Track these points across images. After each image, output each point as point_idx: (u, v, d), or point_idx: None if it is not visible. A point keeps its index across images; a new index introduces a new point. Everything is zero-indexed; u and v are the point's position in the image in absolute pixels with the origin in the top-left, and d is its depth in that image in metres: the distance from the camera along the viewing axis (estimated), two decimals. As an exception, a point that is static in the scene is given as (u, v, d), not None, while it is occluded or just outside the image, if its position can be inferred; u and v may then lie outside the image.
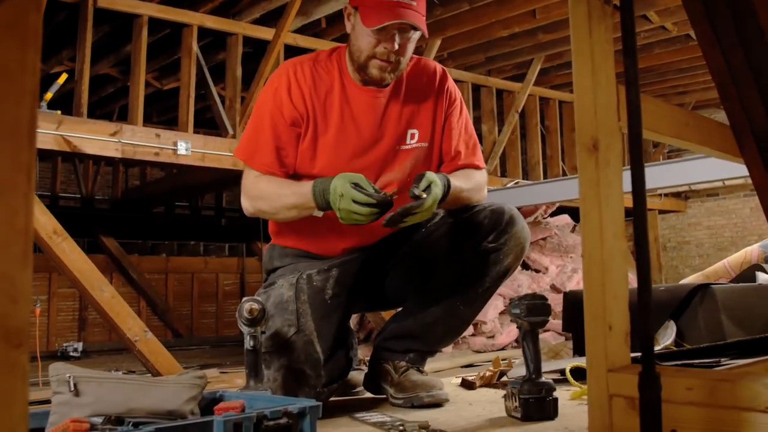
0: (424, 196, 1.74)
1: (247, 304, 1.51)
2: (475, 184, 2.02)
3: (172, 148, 4.72)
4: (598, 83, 1.18)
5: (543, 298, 1.51)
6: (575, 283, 6.19)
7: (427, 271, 1.98)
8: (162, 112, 7.62)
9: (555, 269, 6.44)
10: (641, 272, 1.00)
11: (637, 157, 1.01)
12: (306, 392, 1.76)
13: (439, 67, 2.10)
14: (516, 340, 5.78)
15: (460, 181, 1.94)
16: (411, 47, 1.94)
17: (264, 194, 1.91)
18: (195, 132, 5.03)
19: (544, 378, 1.52)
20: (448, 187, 1.84)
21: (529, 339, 1.50)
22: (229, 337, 8.13)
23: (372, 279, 2.05)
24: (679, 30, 5.91)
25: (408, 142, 2.00)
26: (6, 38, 0.58)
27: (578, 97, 1.19)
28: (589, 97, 1.17)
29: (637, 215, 1.00)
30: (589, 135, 1.17)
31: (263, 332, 1.59)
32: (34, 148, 0.59)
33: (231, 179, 6.48)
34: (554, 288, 6.29)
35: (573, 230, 6.70)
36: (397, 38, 1.87)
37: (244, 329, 1.54)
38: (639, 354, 1.05)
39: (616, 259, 1.16)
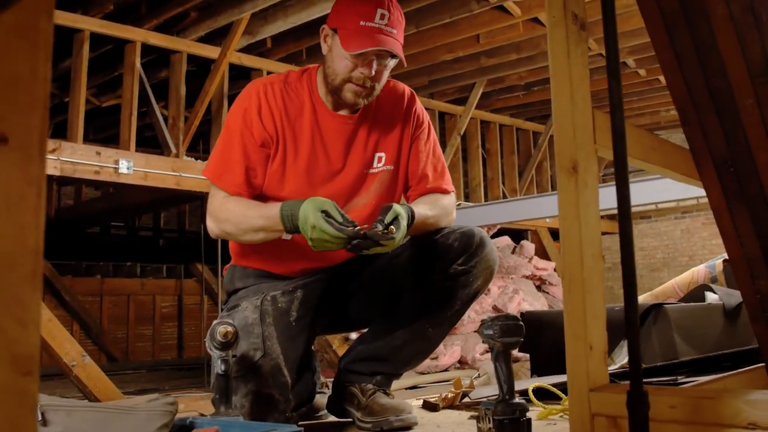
0: (394, 232, 1.73)
1: (221, 327, 1.46)
2: (441, 209, 2.01)
3: (114, 166, 4.60)
4: (576, 106, 1.20)
5: (516, 318, 1.52)
6: (516, 303, 6.27)
7: (394, 292, 1.96)
8: (99, 130, 7.43)
9: (497, 290, 6.50)
10: (627, 291, 1.02)
11: (623, 178, 1.02)
12: (275, 417, 1.71)
13: (407, 89, 2.10)
14: (459, 361, 5.81)
15: (425, 208, 1.94)
16: (386, 74, 1.95)
17: (231, 216, 1.85)
18: (136, 150, 4.92)
19: (517, 398, 1.52)
20: (412, 218, 1.84)
21: (501, 360, 1.50)
22: (166, 360, 7.92)
23: (336, 299, 2.02)
24: (623, 57, 6.11)
25: (375, 165, 1.99)
26: (16, 45, 0.55)
27: (557, 120, 1.21)
28: (568, 119, 1.19)
29: (623, 237, 1.01)
30: (569, 157, 1.18)
31: (234, 356, 1.55)
32: (44, 160, 0.56)
33: (170, 199, 6.36)
34: (496, 309, 6.35)
35: (513, 252, 6.80)
36: (374, 64, 1.86)
37: (216, 353, 1.49)
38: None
39: (595, 280, 1.18)
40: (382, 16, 1.85)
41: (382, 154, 2.00)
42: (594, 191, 1.21)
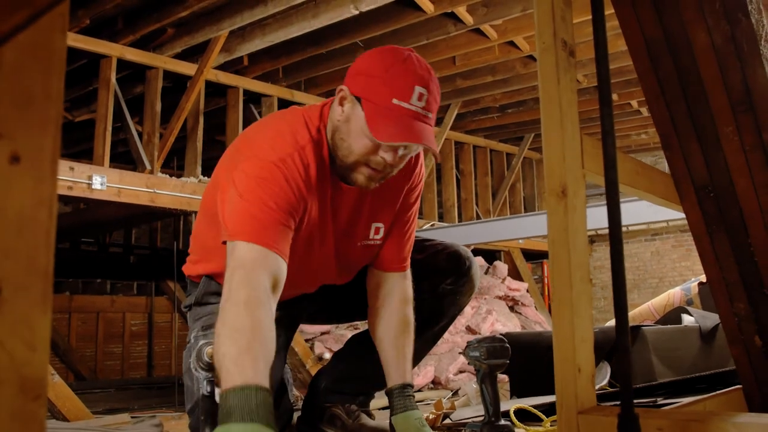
0: None
1: (209, 348, 1.44)
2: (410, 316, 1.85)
3: (87, 182, 4.54)
4: (566, 131, 1.22)
5: (502, 340, 1.53)
6: (490, 324, 6.29)
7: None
8: (72, 144, 7.34)
9: (470, 310, 6.52)
10: (619, 315, 1.03)
11: (615, 204, 1.04)
12: None
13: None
14: (432, 381, 5.80)
15: (408, 347, 1.80)
16: (407, 158, 1.68)
17: (241, 324, 1.38)
18: (110, 166, 4.87)
19: (503, 421, 1.52)
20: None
21: (487, 382, 1.51)
22: (135, 379, 7.79)
23: (315, 312, 2.01)
24: (589, 82, 6.21)
25: (372, 237, 1.81)
26: (30, 63, 0.55)
27: (547, 145, 1.22)
28: (558, 144, 1.21)
29: (615, 261, 1.03)
30: (559, 181, 1.20)
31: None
32: (56, 180, 0.55)
33: (144, 216, 6.29)
34: (470, 329, 6.36)
35: (486, 272, 6.84)
36: (399, 151, 1.59)
37: (201, 374, 1.47)
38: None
39: (583, 303, 1.19)
40: (420, 97, 1.55)
41: (380, 225, 1.81)
42: (582, 215, 1.22)
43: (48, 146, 0.55)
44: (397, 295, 1.82)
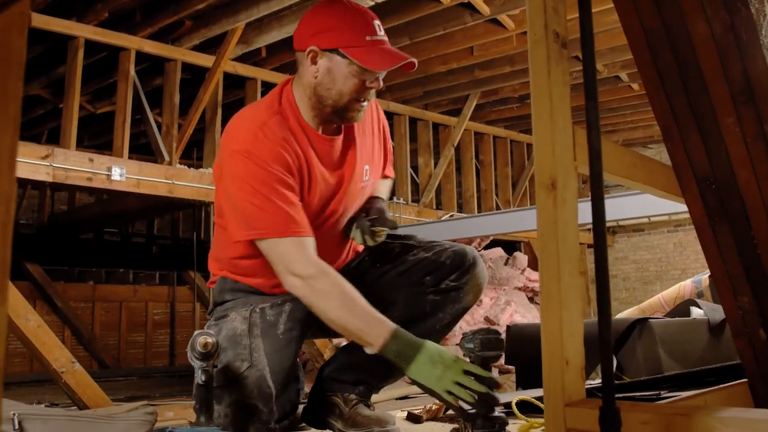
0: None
1: (201, 338, 1.47)
2: (388, 190, 2.18)
3: (106, 173, 4.61)
4: (556, 123, 1.21)
5: (497, 332, 1.53)
6: (508, 315, 6.29)
7: (383, 305, 1.96)
8: (94, 136, 7.44)
9: (489, 301, 6.52)
10: (601, 310, 1.03)
11: (598, 197, 1.04)
12: (258, 428, 1.71)
13: None
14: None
15: (384, 191, 2.13)
16: None
17: (334, 294, 1.72)
18: (129, 158, 4.93)
19: (497, 412, 1.53)
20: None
21: (482, 373, 1.51)
22: (157, 367, 7.91)
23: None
24: (609, 72, 6.15)
25: (364, 179, 1.99)
26: (-13, 64, 0.56)
27: (537, 137, 1.22)
28: (548, 137, 1.20)
29: (598, 255, 1.03)
30: (548, 174, 1.19)
31: (215, 366, 1.55)
32: (14, 177, 0.57)
33: (163, 206, 6.36)
34: (488, 320, 6.36)
35: (506, 263, 6.82)
36: (381, 76, 1.84)
37: (196, 363, 1.49)
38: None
39: (572, 297, 1.19)
40: (379, 27, 1.82)
41: (368, 167, 2.00)
42: (573, 208, 1.22)
43: (6, 144, 0.56)
44: None
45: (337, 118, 1.87)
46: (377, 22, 1.82)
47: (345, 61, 1.78)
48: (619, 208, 4.58)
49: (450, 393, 1.56)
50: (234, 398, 1.73)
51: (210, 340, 1.51)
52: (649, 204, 3.81)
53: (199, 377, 1.49)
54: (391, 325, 1.66)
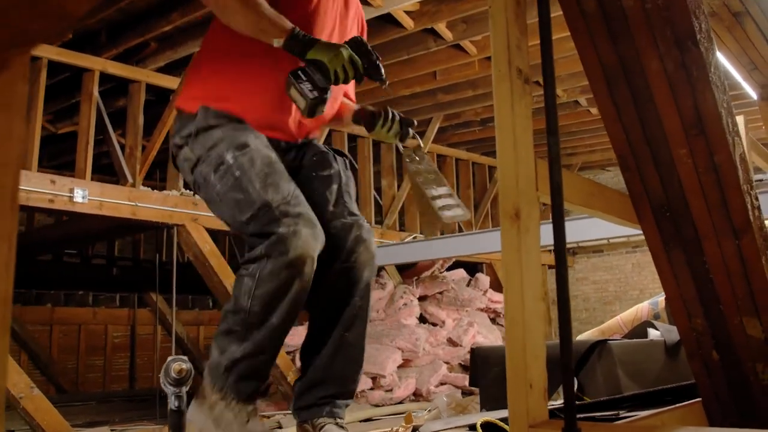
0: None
1: (176, 364, 1.48)
2: None
3: (68, 195, 4.57)
4: (520, 156, 1.27)
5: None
6: (471, 336, 6.34)
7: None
8: (55, 156, 7.36)
9: (452, 323, 6.57)
10: (563, 337, 1.08)
11: (560, 227, 1.09)
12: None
13: None
14: (414, 393, 5.83)
15: None
16: None
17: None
18: (91, 179, 4.90)
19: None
20: None
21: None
22: (117, 392, 7.78)
23: None
24: (569, 96, 6.30)
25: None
26: (-7, 108, 0.59)
27: (502, 169, 1.28)
28: (511, 169, 1.26)
29: (560, 282, 1.08)
30: (512, 204, 1.25)
31: (188, 392, 1.57)
32: (16, 216, 0.60)
33: (126, 228, 6.30)
34: (451, 341, 6.41)
35: (468, 284, 6.89)
36: None
37: (169, 389, 1.51)
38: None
39: (535, 321, 1.24)
40: None
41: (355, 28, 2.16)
42: (535, 237, 1.27)
43: (9, 185, 0.59)
44: None
45: None
46: None
47: None
48: (579, 230, 4.70)
49: (343, 68, 1.76)
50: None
51: (184, 366, 1.53)
52: (609, 226, 3.91)
53: (173, 403, 1.51)
54: (290, 24, 1.78)
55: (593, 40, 1.56)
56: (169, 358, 1.51)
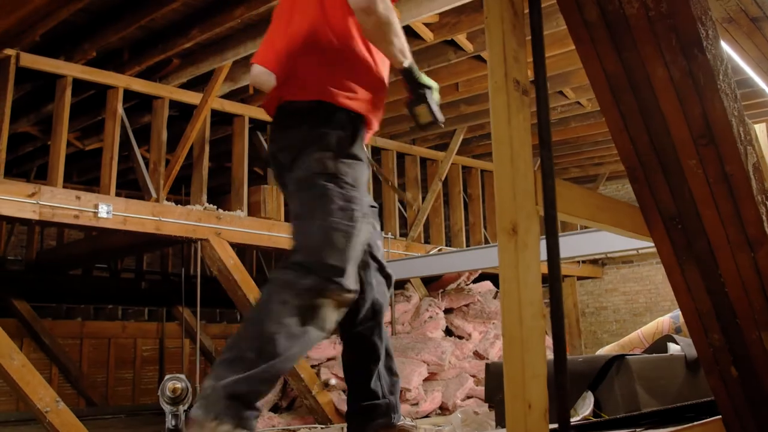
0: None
1: (170, 383, 1.48)
2: None
3: (93, 210, 4.62)
4: (517, 170, 1.24)
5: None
6: (498, 349, 6.26)
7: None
8: (83, 173, 7.46)
9: (478, 335, 6.51)
10: (557, 354, 1.05)
11: (553, 242, 1.06)
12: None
13: None
14: (440, 407, 5.77)
15: None
16: None
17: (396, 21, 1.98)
18: (116, 194, 4.95)
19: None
20: None
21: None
22: (146, 405, 7.83)
23: None
24: (593, 106, 6.22)
25: None
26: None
27: (498, 183, 1.25)
28: (508, 182, 1.23)
29: (553, 299, 1.05)
30: (509, 219, 1.22)
31: (185, 411, 1.56)
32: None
33: (152, 243, 6.35)
34: (477, 354, 6.34)
35: (495, 297, 6.81)
36: None
37: (166, 408, 1.50)
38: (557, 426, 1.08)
39: (534, 339, 1.20)
40: None
41: None
42: (535, 252, 1.24)
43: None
44: None
45: None
46: None
47: None
48: (605, 241, 4.62)
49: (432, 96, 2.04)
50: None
51: (179, 385, 1.52)
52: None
53: (169, 422, 1.50)
54: None
55: (596, 49, 1.53)
56: (166, 377, 1.51)
